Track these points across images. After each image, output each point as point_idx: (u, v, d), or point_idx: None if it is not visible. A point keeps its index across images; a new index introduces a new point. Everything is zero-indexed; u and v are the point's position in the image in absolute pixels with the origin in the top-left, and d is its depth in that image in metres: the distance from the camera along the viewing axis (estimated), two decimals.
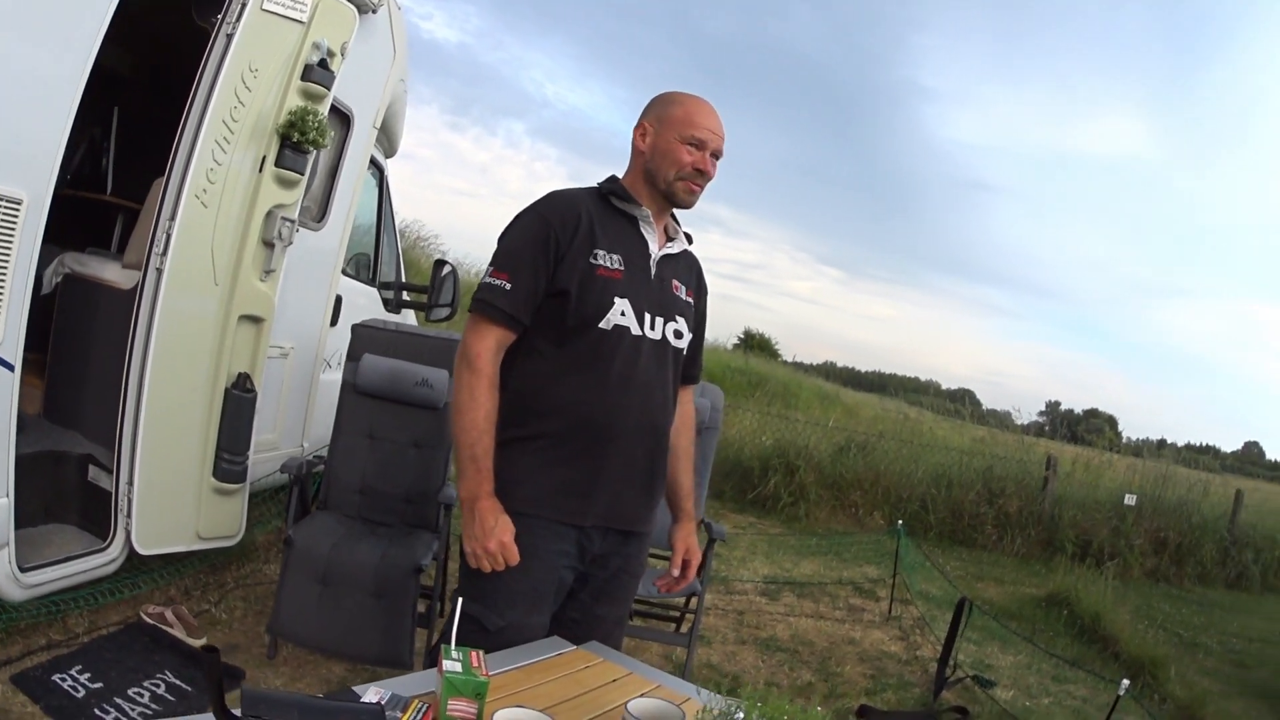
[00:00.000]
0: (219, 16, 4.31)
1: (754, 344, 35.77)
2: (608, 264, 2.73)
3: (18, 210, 3.42)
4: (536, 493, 2.71)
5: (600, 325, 2.70)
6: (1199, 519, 12.80)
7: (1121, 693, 4.69)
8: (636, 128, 2.89)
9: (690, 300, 2.97)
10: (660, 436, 2.88)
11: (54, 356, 4.91)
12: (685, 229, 3.01)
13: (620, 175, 2.93)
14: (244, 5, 4.25)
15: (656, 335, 2.80)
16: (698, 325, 3.05)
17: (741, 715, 1.91)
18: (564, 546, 2.76)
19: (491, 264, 2.74)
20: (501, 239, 2.78)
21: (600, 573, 2.89)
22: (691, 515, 3.18)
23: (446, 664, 2.05)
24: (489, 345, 2.68)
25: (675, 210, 2.95)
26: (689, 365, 3.04)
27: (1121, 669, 6.87)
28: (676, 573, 3.10)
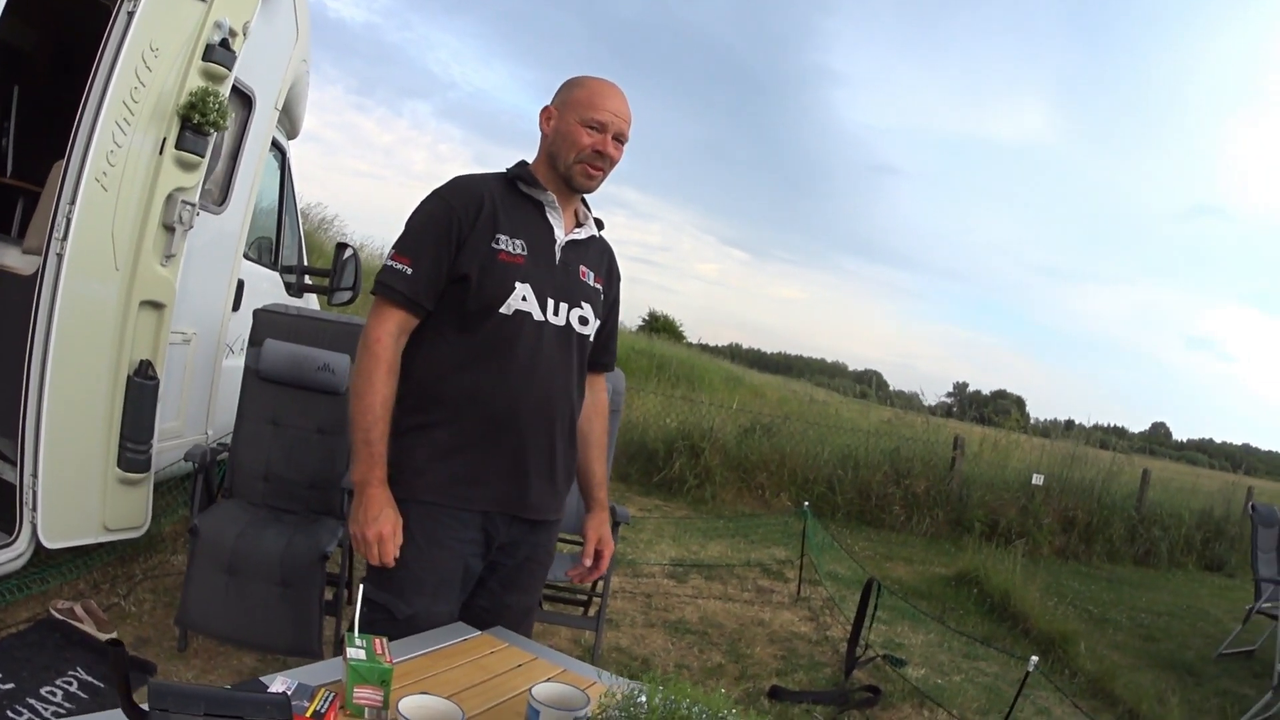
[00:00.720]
0: None
1: (658, 326, 36.01)
2: (510, 249, 2.71)
3: None
4: (437, 480, 2.70)
5: (501, 310, 2.69)
6: (1108, 498, 13.12)
7: (1031, 669, 4.79)
8: (542, 112, 2.88)
9: (599, 287, 2.96)
10: (564, 423, 2.87)
11: None
12: (596, 215, 3.01)
13: (530, 161, 2.92)
14: None
15: (560, 321, 2.79)
16: (609, 312, 3.04)
17: (644, 699, 1.93)
18: (469, 534, 2.74)
19: (394, 247, 2.73)
20: (407, 223, 2.76)
21: (508, 561, 2.88)
22: (605, 504, 3.18)
23: (351, 652, 2.06)
24: (389, 329, 2.67)
25: (584, 195, 2.95)
26: (601, 353, 3.05)
27: (1032, 645, 7.04)
28: (589, 563, 3.09)
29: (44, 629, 4.22)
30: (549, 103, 2.88)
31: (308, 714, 1.89)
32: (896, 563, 9.96)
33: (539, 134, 2.90)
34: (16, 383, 4.19)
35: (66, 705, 3.69)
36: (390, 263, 2.69)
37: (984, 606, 8.32)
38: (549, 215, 2.84)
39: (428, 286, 2.68)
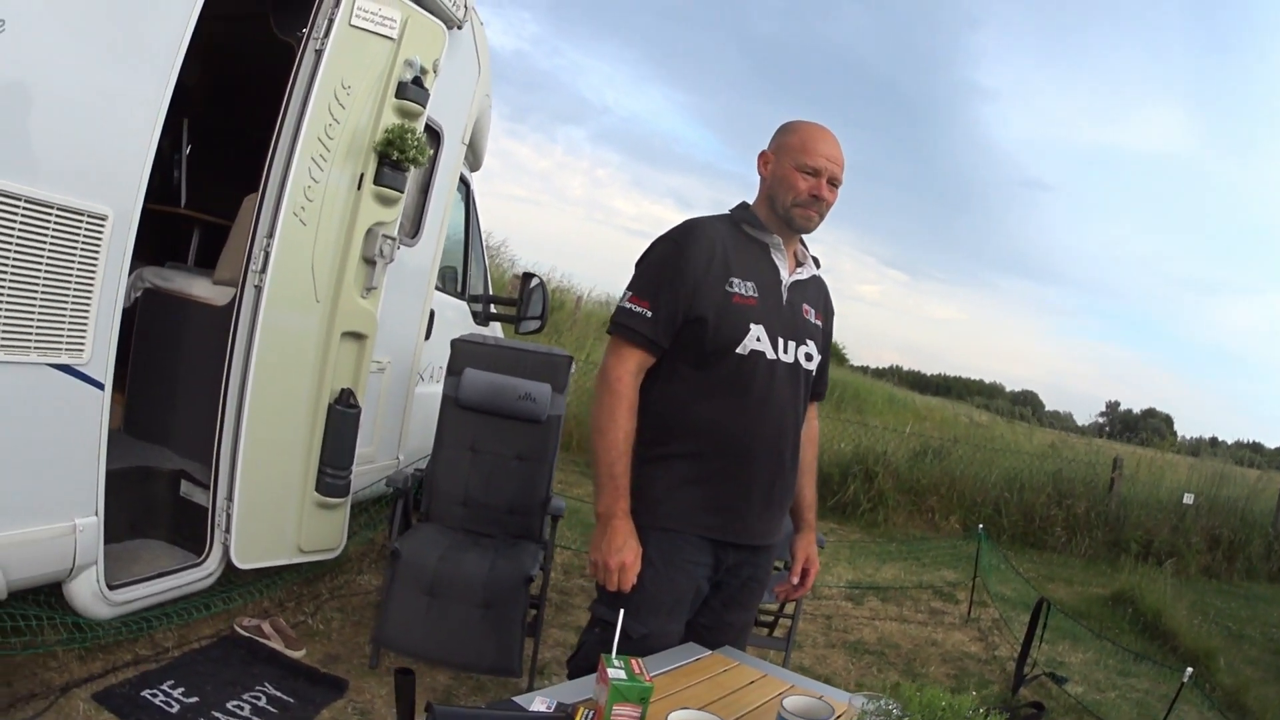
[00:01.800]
0: (304, 31, 4.33)
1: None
2: (742, 292, 2.82)
3: (103, 227, 3.41)
4: (676, 509, 2.81)
5: (737, 351, 2.79)
6: (1250, 516, 12.86)
7: (1185, 680, 4.85)
8: (760, 156, 2.99)
9: (819, 323, 3.06)
10: (791, 454, 2.98)
11: (135, 371, 4.89)
12: (813, 253, 3.10)
13: (750, 202, 3.02)
14: (331, 21, 4.27)
15: (790, 359, 2.89)
16: (825, 346, 3.12)
17: (892, 707, 2.02)
18: (703, 558, 2.86)
19: (631, 289, 2.85)
20: (638, 267, 2.89)
21: (733, 581, 2.98)
22: (813, 526, 3.27)
23: (610, 672, 2.12)
24: (630, 369, 2.79)
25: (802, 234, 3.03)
26: (816, 383, 3.12)
27: (1180, 661, 6.93)
28: (796, 580, 3.19)
29: (227, 645, 4.35)
30: (766, 148, 2.98)
31: None
32: (1057, 583, 9.83)
33: (757, 177, 3.01)
34: (207, 408, 4.33)
35: (254, 719, 3.80)
36: (629, 305, 2.81)
37: (1137, 625, 8.28)
38: (774, 256, 2.93)
39: (666, 328, 2.78)
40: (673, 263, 2.80)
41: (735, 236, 2.91)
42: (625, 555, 2.69)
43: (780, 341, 2.86)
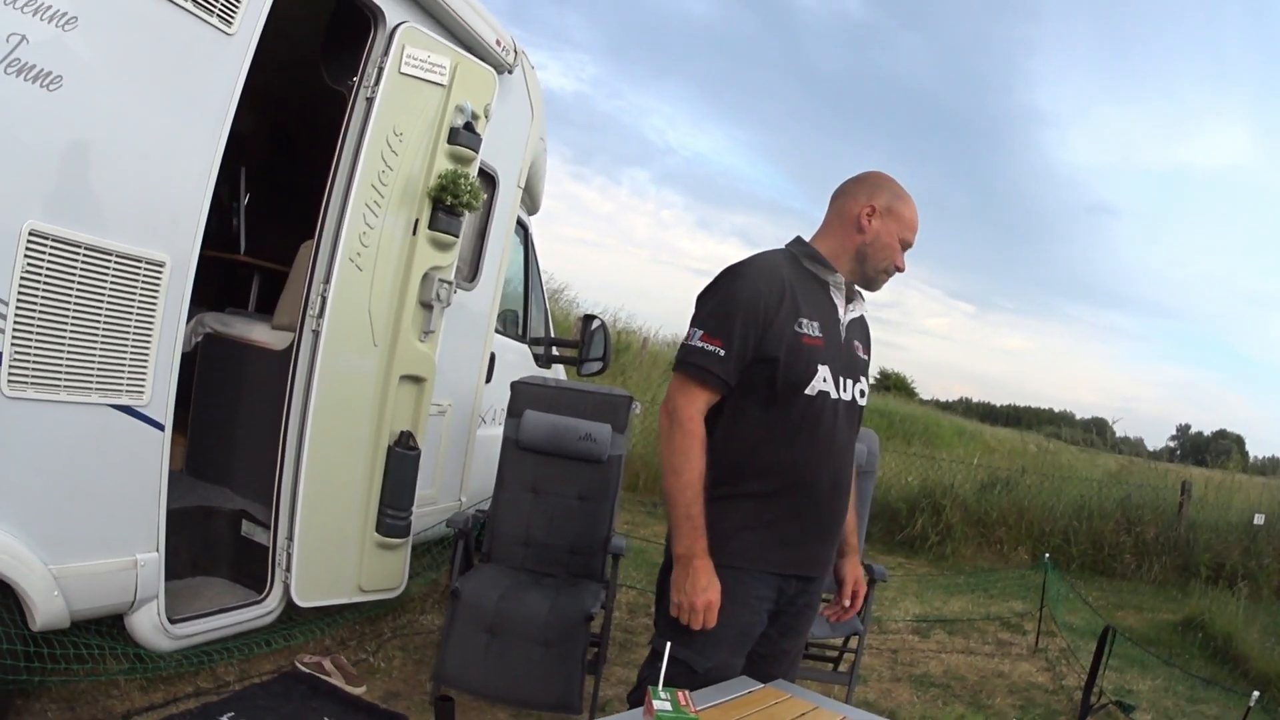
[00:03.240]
0: (355, 80, 4.42)
1: (892, 384, 35.55)
2: (810, 332, 2.82)
3: (161, 273, 3.51)
4: (745, 547, 2.82)
5: (806, 391, 2.79)
6: None
7: (1252, 704, 4.85)
8: (863, 205, 2.95)
9: (866, 359, 3.08)
10: (849, 489, 3.01)
11: (197, 413, 5.00)
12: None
13: (807, 238, 3.04)
14: (381, 69, 4.35)
15: (848, 396, 2.90)
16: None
17: None
18: (767, 593, 2.87)
19: (701, 328, 2.83)
20: (706, 303, 2.87)
21: (790, 610, 2.99)
22: (856, 549, 3.28)
23: (656, 704, 2.15)
24: (700, 407, 2.80)
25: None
26: None
27: (1251, 686, 6.81)
28: (847, 603, 3.20)
29: (288, 680, 4.39)
30: (870, 198, 2.96)
31: None
32: (1127, 611, 9.71)
33: (847, 216, 2.98)
34: (267, 450, 4.41)
35: None
36: (701, 344, 2.79)
37: (1208, 650, 8.15)
38: (833, 294, 2.94)
39: (738, 367, 2.79)
40: (745, 300, 2.79)
41: (799, 273, 2.91)
42: (710, 594, 2.69)
43: (841, 380, 2.87)
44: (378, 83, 4.35)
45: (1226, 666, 7.72)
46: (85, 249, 3.20)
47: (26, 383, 3.11)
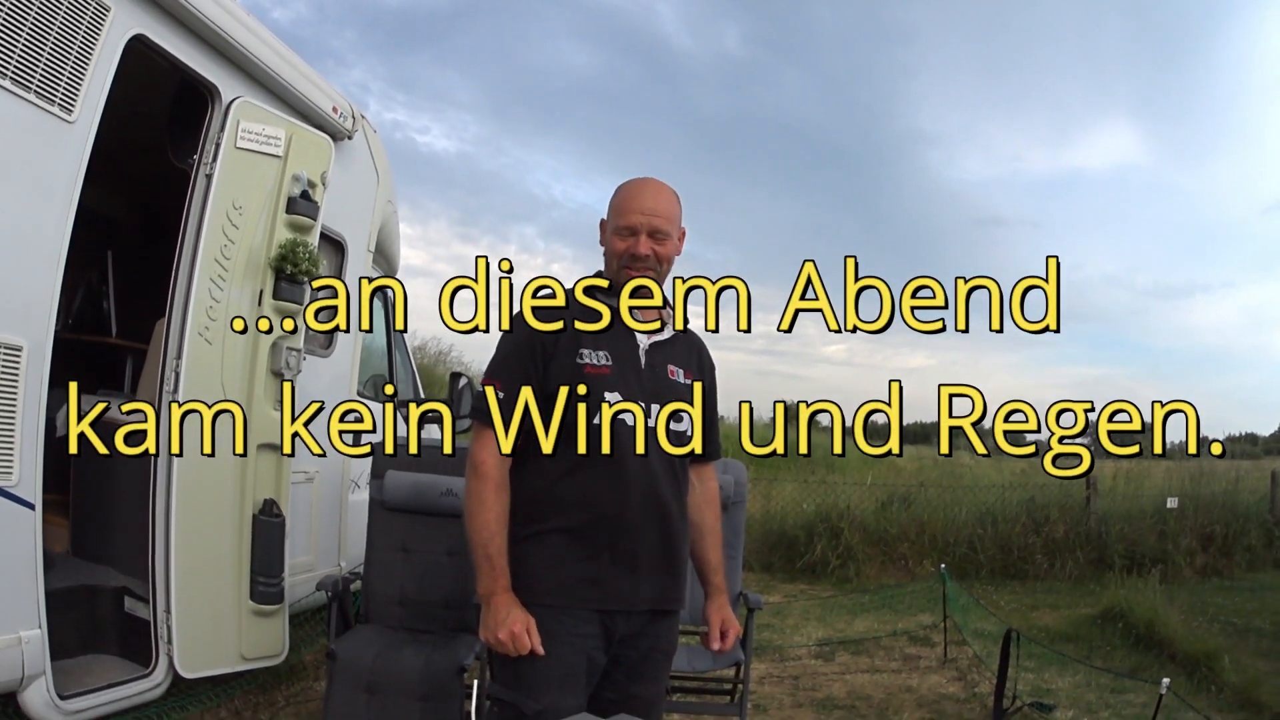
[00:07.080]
0: (195, 158, 4.47)
1: (791, 415, 35.62)
2: (594, 361, 2.84)
3: (19, 356, 3.57)
4: (557, 585, 2.81)
5: (595, 421, 2.80)
6: (1241, 507, 12.83)
7: (1163, 691, 4.78)
8: (600, 224, 3.04)
9: (688, 382, 3.04)
10: (672, 517, 2.95)
11: (77, 496, 5.04)
12: (694, 308, 3.13)
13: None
14: (219, 145, 4.41)
15: (653, 422, 2.89)
16: (706, 403, 3.10)
17: None
18: (589, 629, 2.84)
19: (486, 373, 2.91)
20: (496, 348, 2.93)
21: (631, 652, 2.95)
22: (722, 589, 3.21)
23: None
24: (491, 450, 2.82)
25: (665, 295, 3.06)
26: (705, 444, 3.10)
27: (1177, 669, 6.86)
28: (715, 646, 3.12)
29: None
30: (606, 216, 3.02)
31: None
32: (1043, 610, 9.77)
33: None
34: (144, 528, 4.43)
35: None
36: (482, 389, 2.86)
37: (1130, 639, 8.15)
38: (622, 322, 2.94)
39: (515, 406, 2.81)
40: (523, 342, 2.85)
41: (581, 308, 2.92)
42: (512, 624, 2.68)
43: (643, 405, 2.87)
44: (215, 159, 4.41)
45: (1151, 653, 7.73)
46: None
47: None
